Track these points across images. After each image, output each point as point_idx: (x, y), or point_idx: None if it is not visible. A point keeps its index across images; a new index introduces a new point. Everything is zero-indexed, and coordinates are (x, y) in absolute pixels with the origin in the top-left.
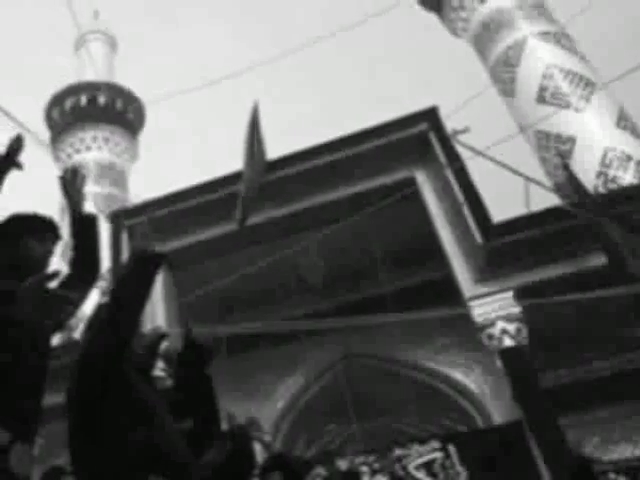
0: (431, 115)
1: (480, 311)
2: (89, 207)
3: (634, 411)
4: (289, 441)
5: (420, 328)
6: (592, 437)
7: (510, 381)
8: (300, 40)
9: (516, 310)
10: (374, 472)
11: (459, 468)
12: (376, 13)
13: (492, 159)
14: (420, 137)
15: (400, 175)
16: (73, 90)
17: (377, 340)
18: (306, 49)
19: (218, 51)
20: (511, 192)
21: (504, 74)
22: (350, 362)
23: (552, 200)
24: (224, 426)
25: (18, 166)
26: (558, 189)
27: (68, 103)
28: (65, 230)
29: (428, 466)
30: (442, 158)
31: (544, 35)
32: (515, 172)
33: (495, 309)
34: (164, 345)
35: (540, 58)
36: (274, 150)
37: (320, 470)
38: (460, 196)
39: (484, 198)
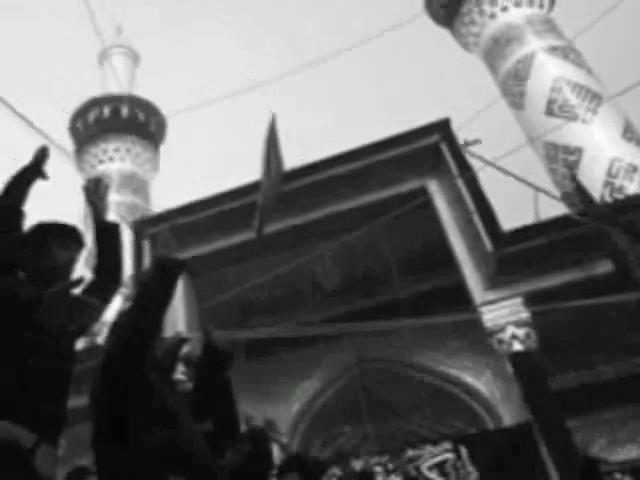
0: (443, 127)
1: (490, 316)
2: (112, 216)
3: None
4: (305, 442)
5: (432, 333)
6: (599, 438)
7: (519, 384)
8: (316, 53)
9: (525, 315)
10: (388, 472)
11: (470, 468)
12: (390, 28)
13: (502, 169)
14: (432, 148)
15: (413, 185)
16: (96, 102)
17: (391, 344)
18: (322, 62)
19: (237, 64)
20: (520, 201)
21: (514, 87)
22: (364, 366)
23: (560, 209)
24: (243, 428)
25: (43, 176)
26: (566, 198)
27: (92, 115)
28: (89, 238)
29: (440, 466)
30: (454, 168)
31: (552, 49)
32: (524, 182)
33: (505, 315)
34: (185, 349)
35: (549, 72)
36: (291, 161)
37: (335, 470)
38: (471, 205)
39: (494, 207)
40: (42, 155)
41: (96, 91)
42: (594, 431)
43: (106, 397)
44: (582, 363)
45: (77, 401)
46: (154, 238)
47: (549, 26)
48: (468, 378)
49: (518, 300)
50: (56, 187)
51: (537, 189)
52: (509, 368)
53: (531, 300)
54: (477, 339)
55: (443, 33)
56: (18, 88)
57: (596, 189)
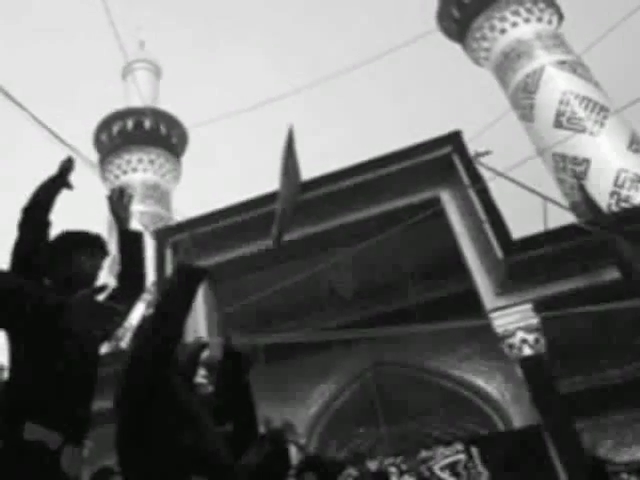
0: (455, 139)
1: (501, 322)
2: (135, 225)
3: None
4: (322, 443)
5: (445, 338)
6: (606, 440)
7: (529, 387)
8: (333, 69)
9: (535, 321)
10: (402, 473)
11: (481, 469)
12: (404, 44)
13: (512, 180)
14: (445, 159)
15: (426, 195)
16: (120, 115)
17: (405, 349)
18: (339, 77)
19: (256, 79)
20: (530, 211)
21: (523, 100)
22: (379, 370)
23: (568, 218)
24: (262, 430)
25: (69, 186)
26: (574, 208)
27: (116, 127)
28: (113, 246)
29: (452, 467)
30: (465, 179)
31: (561, 64)
32: (534, 192)
33: (515, 320)
34: (205, 354)
35: (557, 85)
36: (308, 172)
37: (351, 471)
38: (482, 214)
39: (504, 216)
40: (68, 166)
41: (120, 104)
42: (601, 433)
43: (130, 400)
44: (589, 367)
45: (102, 403)
46: (176, 246)
47: (557, 41)
48: (479, 381)
49: (528, 306)
50: (81, 197)
51: (546, 199)
52: (519, 372)
53: (540, 306)
54: (488, 344)
55: (455, 48)
56: (46, 102)
57: (603, 199)
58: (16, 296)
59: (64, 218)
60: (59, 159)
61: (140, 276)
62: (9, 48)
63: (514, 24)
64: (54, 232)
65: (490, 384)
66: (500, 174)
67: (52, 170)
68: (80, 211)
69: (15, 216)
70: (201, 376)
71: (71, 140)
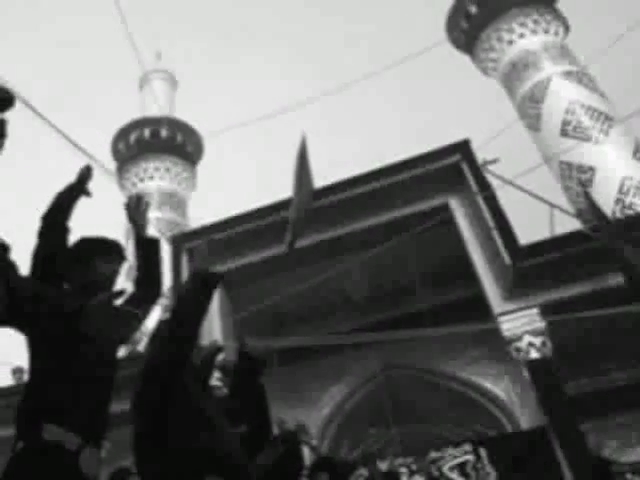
0: (463, 147)
1: (508, 326)
2: (152, 231)
3: None
4: (334, 445)
5: (454, 341)
6: (611, 441)
7: (536, 390)
8: (345, 79)
9: (541, 325)
10: (412, 473)
11: (489, 469)
12: (415, 54)
13: (520, 187)
14: (453, 167)
15: (435, 202)
16: (137, 124)
17: (415, 352)
18: (351, 87)
19: (269, 88)
20: (537, 217)
21: (530, 110)
22: (390, 372)
23: (574, 225)
24: (275, 431)
25: (87, 193)
26: (580, 214)
27: (133, 136)
28: (130, 252)
29: (461, 467)
30: (474, 186)
31: (567, 74)
32: (540, 199)
33: (522, 324)
34: (221, 357)
35: (563, 95)
36: (321, 179)
37: (363, 471)
38: (490, 221)
39: (512, 223)
40: (86, 174)
41: (137, 114)
42: (606, 434)
43: (146, 402)
44: (595, 370)
45: (119, 406)
46: (191, 252)
47: (564, 52)
48: (487, 384)
49: (535, 310)
50: (99, 204)
51: (552, 206)
52: (526, 375)
53: (547, 310)
54: (496, 347)
55: (464, 59)
56: (65, 111)
57: (608, 206)
58: (36, 301)
59: (83, 225)
60: (78, 167)
61: (157, 281)
62: (29, 58)
63: (521, 35)
64: (73, 238)
65: (498, 386)
66: (508, 182)
67: (71, 178)
68: (98, 218)
69: (35, 222)
70: (216, 379)
71: (89, 148)
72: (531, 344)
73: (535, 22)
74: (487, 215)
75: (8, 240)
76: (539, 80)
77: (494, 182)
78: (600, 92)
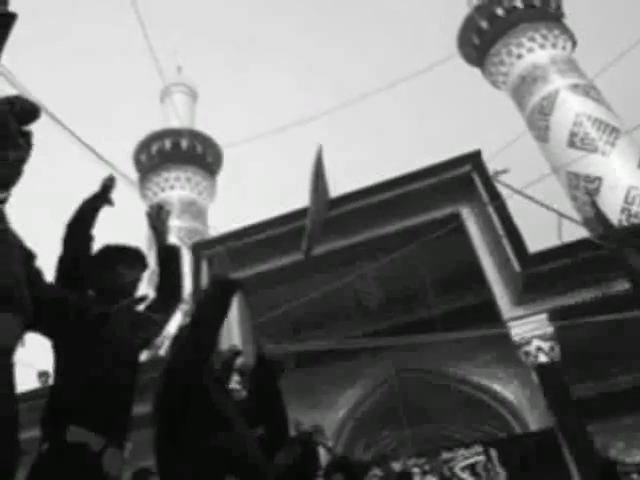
0: (475, 158)
1: (518, 331)
2: (173, 239)
3: None
4: (349, 445)
5: (465, 346)
6: (617, 442)
7: (544, 393)
8: (359, 91)
9: (550, 330)
10: (424, 473)
11: (499, 469)
12: (427, 68)
13: (529, 197)
14: (465, 177)
15: (447, 211)
16: (159, 136)
17: (427, 356)
18: (364, 99)
19: (285, 101)
20: (545, 226)
21: (539, 121)
22: (403, 376)
23: (581, 233)
24: (292, 432)
25: (110, 202)
26: (587, 223)
27: (154, 147)
28: (152, 259)
29: (472, 468)
30: (484, 196)
31: (574, 87)
32: (549, 208)
33: (531, 329)
34: (239, 361)
35: (571, 108)
36: (336, 189)
37: (376, 471)
38: (500, 229)
39: (521, 231)
40: (109, 184)
41: (158, 125)
42: (612, 435)
43: (168, 404)
44: (601, 373)
45: (141, 408)
46: (211, 259)
47: (571, 66)
48: (497, 387)
49: (543, 316)
50: (122, 213)
51: (560, 214)
52: (535, 378)
53: (555, 316)
54: (506, 352)
55: (475, 72)
56: (88, 123)
57: (614, 215)
58: (60, 306)
59: (106, 233)
60: (101, 177)
61: (177, 287)
62: (52, 70)
63: (530, 50)
64: (97, 246)
65: (507, 389)
66: (517, 191)
67: (94, 188)
68: (121, 226)
69: (59, 231)
70: (235, 382)
71: (112, 159)
72: (540, 348)
73: (543, 37)
74: (497, 223)
75: (34, 248)
76: (547, 93)
77: (504, 191)
78: (606, 104)
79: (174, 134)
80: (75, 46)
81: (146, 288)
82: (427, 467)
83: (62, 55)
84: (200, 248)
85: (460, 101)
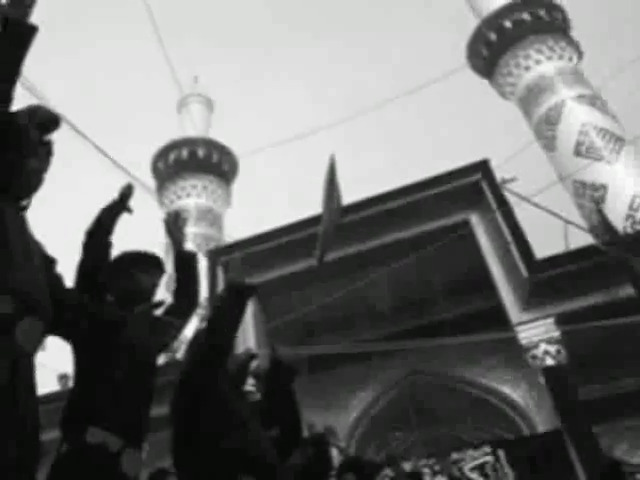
0: (483, 166)
1: (525, 335)
2: (189, 245)
3: None
4: (361, 446)
5: (474, 349)
6: (622, 443)
7: (551, 395)
8: (370, 101)
9: (557, 334)
10: (434, 473)
11: (507, 470)
12: (437, 78)
13: (536, 204)
14: (474, 185)
15: (456, 218)
16: (176, 145)
17: (437, 360)
18: (376, 109)
19: (299, 110)
20: (552, 232)
21: (546, 131)
22: (413, 379)
23: (587, 239)
24: (306, 434)
25: (129, 210)
26: (592, 230)
27: (172, 156)
28: (169, 265)
29: (481, 468)
30: (493, 203)
31: (580, 98)
32: (555, 215)
33: (538, 333)
34: (254, 364)
35: (577, 118)
36: (348, 196)
37: (388, 471)
38: (508, 236)
39: (529, 237)
40: (128, 192)
41: (175, 135)
42: (617, 436)
43: (184, 406)
44: (606, 376)
45: (159, 410)
46: (227, 265)
47: (577, 77)
48: (505, 389)
49: (550, 320)
50: (140, 220)
51: (567, 222)
52: (542, 381)
53: (562, 320)
54: (513, 355)
55: (483, 83)
56: (106, 132)
57: (619, 222)
58: (80, 311)
59: (124, 239)
60: (119, 185)
61: (194, 293)
62: (72, 81)
63: (537, 61)
64: (115, 252)
65: (515, 392)
66: (525, 199)
67: (113, 196)
68: (139, 233)
69: (78, 238)
70: (250, 384)
71: (130, 168)
72: (547, 352)
73: (550, 49)
74: (505, 230)
75: (54, 255)
76: (554, 103)
77: (512, 199)
78: (612, 114)
79: (191, 143)
80: (95, 58)
81: (164, 293)
82: (437, 467)
83: (82, 66)
84: (216, 254)
85: (469, 111)
